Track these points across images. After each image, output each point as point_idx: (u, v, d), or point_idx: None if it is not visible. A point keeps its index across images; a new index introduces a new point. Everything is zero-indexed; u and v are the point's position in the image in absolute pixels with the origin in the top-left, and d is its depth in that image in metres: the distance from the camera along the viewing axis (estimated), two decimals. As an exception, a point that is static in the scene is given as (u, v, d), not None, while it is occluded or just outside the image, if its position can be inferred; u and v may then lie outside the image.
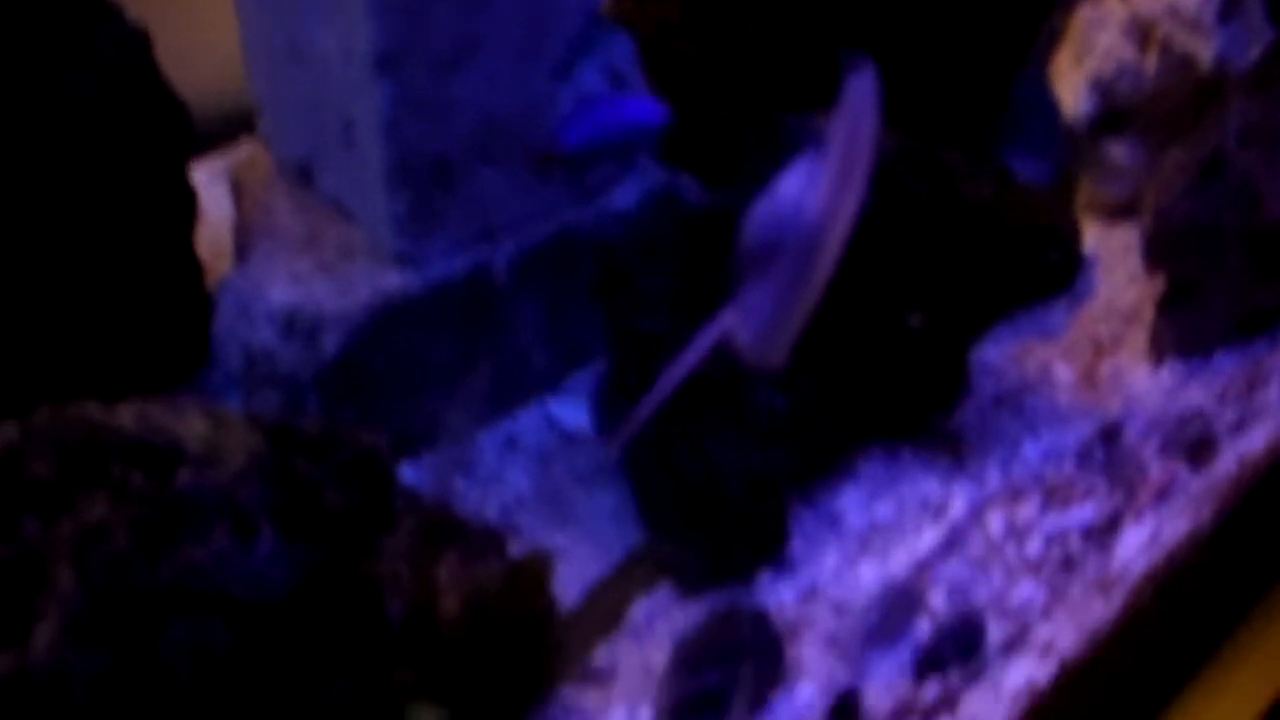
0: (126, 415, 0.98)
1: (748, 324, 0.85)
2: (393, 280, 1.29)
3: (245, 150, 1.51)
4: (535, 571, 1.05)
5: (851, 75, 0.85)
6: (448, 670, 1.02)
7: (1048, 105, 1.55)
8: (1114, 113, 1.55)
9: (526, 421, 1.36)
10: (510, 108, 1.31)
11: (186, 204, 1.35)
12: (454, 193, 1.31)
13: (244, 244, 1.37)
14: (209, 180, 1.60)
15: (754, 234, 0.84)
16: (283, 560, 0.96)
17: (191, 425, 0.98)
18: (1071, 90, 1.56)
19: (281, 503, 0.97)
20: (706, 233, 1.24)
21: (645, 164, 1.40)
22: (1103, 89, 1.54)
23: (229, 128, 1.63)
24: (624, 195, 1.39)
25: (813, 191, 0.84)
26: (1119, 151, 1.56)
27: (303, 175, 1.41)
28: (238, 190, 1.44)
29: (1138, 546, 1.22)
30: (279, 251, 1.34)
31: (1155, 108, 1.54)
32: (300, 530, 0.97)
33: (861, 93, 0.85)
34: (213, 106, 1.55)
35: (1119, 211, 1.57)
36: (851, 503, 1.26)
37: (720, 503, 1.17)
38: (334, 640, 0.98)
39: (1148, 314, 1.44)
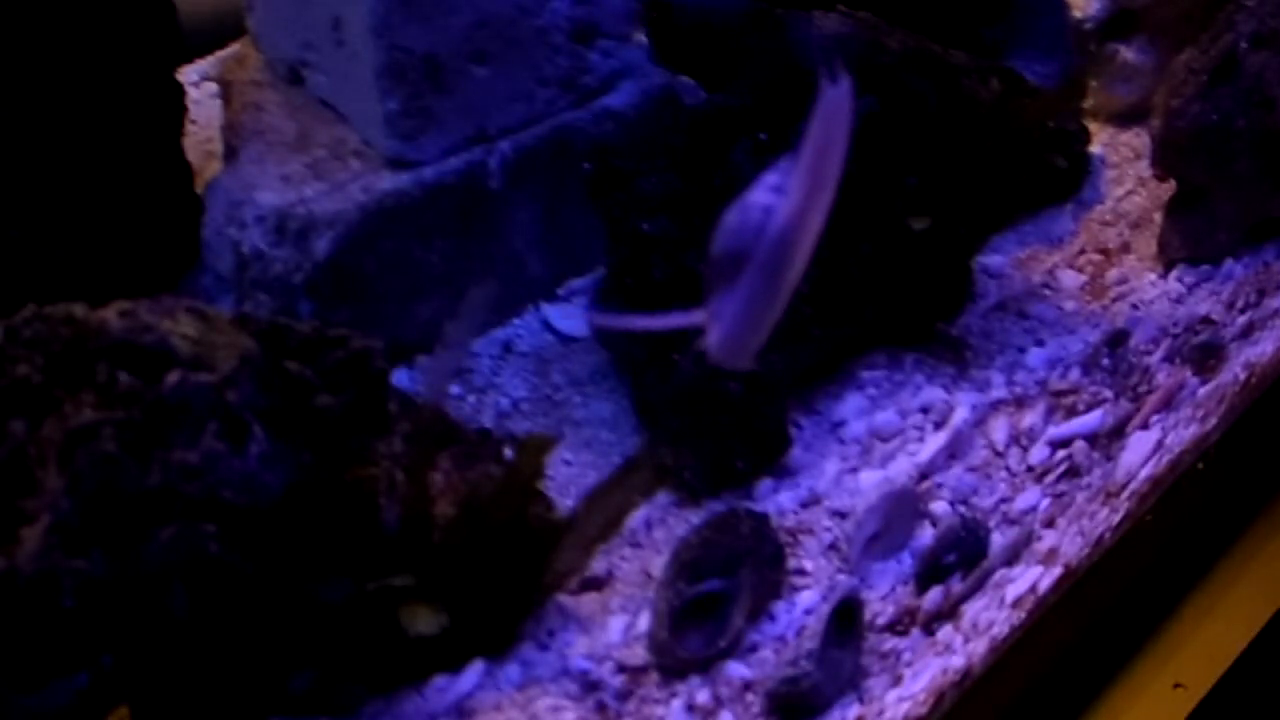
0: (113, 315, 0.95)
1: (715, 327, 0.87)
2: (385, 182, 1.27)
3: (235, 51, 1.48)
4: (532, 471, 1.04)
5: (828, 84, 0.86)
6: (444, 574, 1.00)
7: (1056, 6, 1.52)
8: (1124, 14, 1.52)
9: (522, 327, 1.34)
10: (503, 5, 1.29)
11: (174, 102, 1.33)
12: (447, 93, 1.28)
13: (233, 145, 1.35)
14: (198, 82, 1.57)
15: (724, 240, 0.86)
16: (275, 463, 0.94)
17: (180, 326, 0.96)
18: (1081, -11, 1.54)
19: (273, 404, 0.95)
20: (705, 134, 1.22)
21: (643, 65, 1.37)
22: (1113, -11, 1.52)
23: (219, 30, 1.60)
24: (621, 96, 1.36)
25: (782, 201, 0.85)
26: (1128, 54, 1.53)
27: (293, 75, 1.38)
28: (227, 91, 1.42)
29: (1143, 454, 1.21)
30: (269, 153, 1.32)
31: (1166, 9, 1.51)
32: (292, 432, 0.96)
33: (836, 103, 0.86)
34: (204, 7, 1.53)
35: (1128, 115, 1.54)
36: (853, 409, 1.24)
37: (720, 408, 1.16)
38: (327, 544, 0.97)
39: (1156, 220, 1.42)
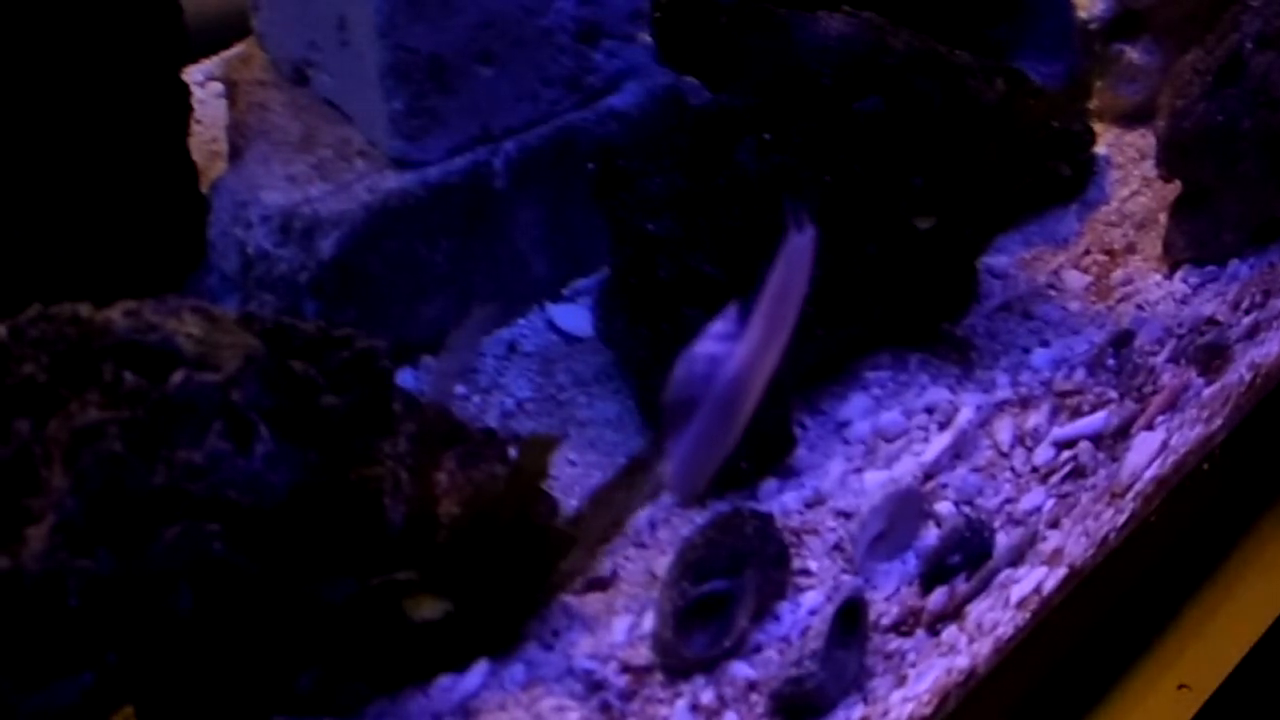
0: (118, 315, 0.96)
1: (671, 464, 0.92)
2: (390, 182, 1.27)
3: (240, 51, 1.48)
4: (536, 471, 1.04)
5: (792, 232, 0.89)
6: (448, 574, 1.00)
7: (1061, 6, 1.52)
8: (1129, 14, 1.52)
9: (527, 327, 1.34)
10: (509, 5, 1.29)
11: (180, 102, 1.33)
12: (452, 93, 1.28)
13: (239, 145, 1.35)
14: (203, 81, 1.57)
15: (675, 389, 0.91)
16: (280, 462, 0.94)
17: (185, 325, 0.96)
18: (1086, -10, 1.54)
19: (278, 404, 0.95)
20: (710, 134, 1.22)
21: (648, 65, 1.37)
22: (1118, -10, 1.52)
23: (224, 30, 1.60)
24: (626, 96, 1.36)
25: (732, 348, 0.90)
26: (1134, 54, 1.53)
27: (298, 75, 1.38)
28: (232, 91, 1.42)
29: (1148, 455, 1.21)
30: (274, 153, 1.32)
31: (1171, 10, 1.51)
32: (297, 432, 0.96)
33: (798, 253, 0.89)
34: (209, 7, 1.53)
35: (1133, 115, 1.54)
36: (858, 410, 1.24)
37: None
38: (332, 543, 0.97)
39: (1161, 220, 1.42)
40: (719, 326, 0.90)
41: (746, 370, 0.90)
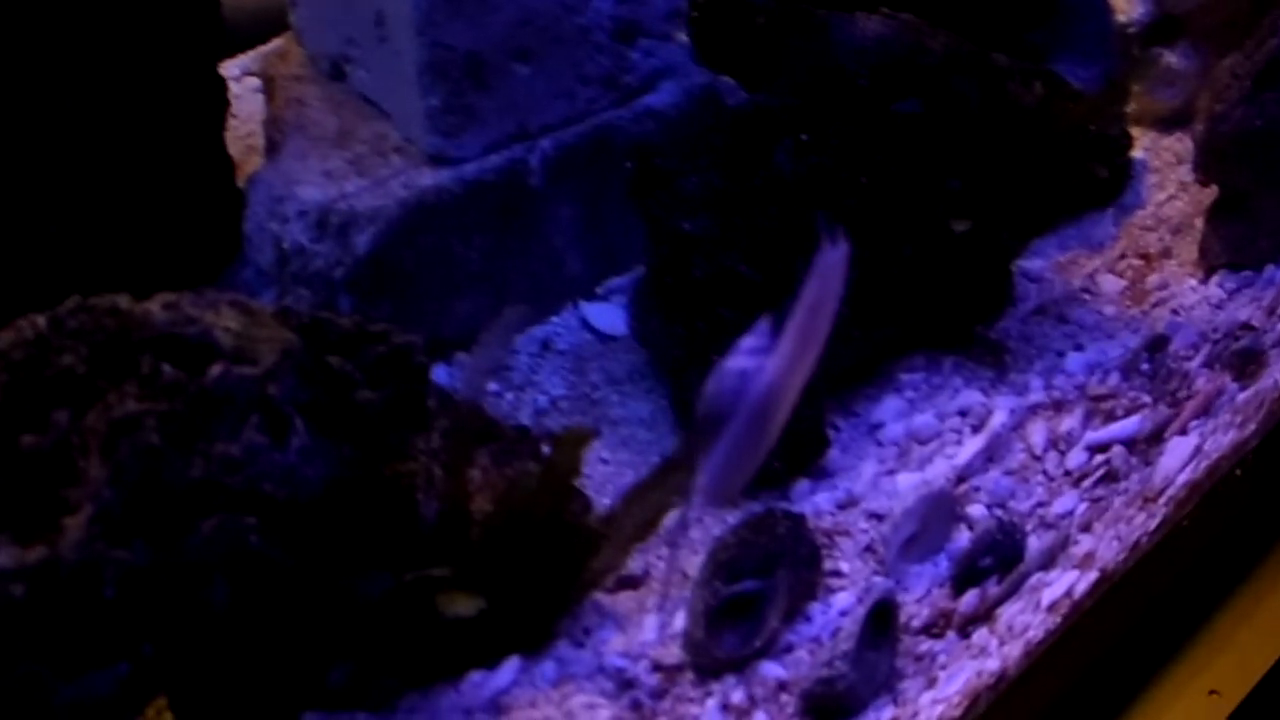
0: (157, 307, 0.96)
1: (703, 476, 0.92)
2: (426, 179, 1.28)
3: (277, 46, 1.48)
4: (570, 466, 1.04)
5: (826, 247, 0.89)
6: (481, 570, 1.01)
7: (1100, 10, 1.52)
8: (1168, 19, 1.52)
9: (561, 325, 1.34)
10: (547, 3, 1.29)
11: (217, 96, 1.33)
12: (488, 90, 1.29)
13: (275, 140, 1.35)
14: (239, 76, 1.58)
15: (707, 404, 0.91)
16: (315, 457, 0.95)
17: (223, 319, 0.96)
18: (1125, -5, 1.53)
19: (314, 398, 0.96)
20: (747, 134, 1.22)
21: (685, 64, 1.37)
22: (1157, -7, 1.51)
23: (260, 26, 1.61)
24: (662, 95, 1.36)
25: (762, 362, 0.90)
26: (1172, 59, 1.52)
27: (335, 71, 1.39)
28: (269, 86, 1.42)
29: (1181, 460, 1.21)
30: (311, 148, 1.32)
31: (1210, 15, 1.50)
32: (333, 427, 0.96)
33: (831, 267, 0.90)
34: (247, 2, 1.53)
35: (1170, 120, 1.54)
36: (891, 412, 1.24)
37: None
38: (366, 538, 0.97)
39: (1197, 225, 1.42)
40: (751, 340, 0.91)
41: (778, 385, 0.90)
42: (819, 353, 0.92)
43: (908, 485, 1.17)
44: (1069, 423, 1.23)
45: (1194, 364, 1.28)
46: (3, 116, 1.19)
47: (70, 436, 0.92)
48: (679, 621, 1.05)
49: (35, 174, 1.21)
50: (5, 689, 0.88)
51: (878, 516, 1.15)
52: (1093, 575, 1.13)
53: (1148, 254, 1.41)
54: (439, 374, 1.24)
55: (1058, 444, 1.22)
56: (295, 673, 0.98)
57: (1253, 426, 1.25)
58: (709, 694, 1.03)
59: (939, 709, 1.03)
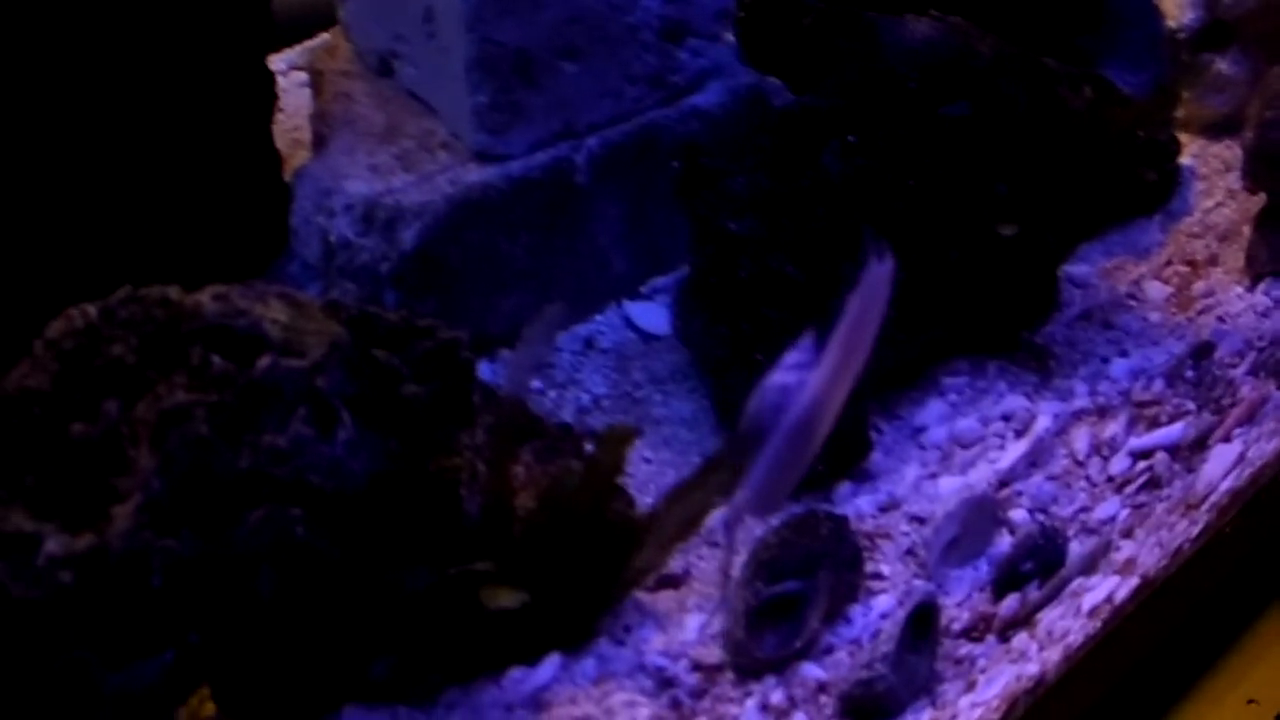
0: (207, 299, 0.97)
1: (747, 488, 0.93)
2: (472, 175, 1.28)
3: (325, 41, 1.49)
4: (613, 464, 1.04)
5: (872, 262, 0.90)
6: (524, 566, 1.01)
7: (1150, 15, 1.51)
8: (1218, 24, 1.51)
9: (604, 324, 1.35)
10: (595, 1, 1.29)
11: (266, 90, 1.34)
12: (536, 88, 1.29)
13: (323, 134, 1.36)
14: (286, 70, 1.59)
15: (750, 419, 0.92)
16: (361, 449, 0.95)
17: (272, 311, 0.97)
18: (1175, 0, 1.52)
19: (361, 392, 0.96)
20: (795, 135, 1.22)
21: (732, 65, 1.37)
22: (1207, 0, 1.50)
23: (308, 20, 1.62)
24: (709, 95, 1.37)
25: (804, 377, 0.91)
26: (1222, 65, 1.52)
27: (383, 66, 1.39)
28: (317, 80, 1.43)
29: (1224, 467, 1.20)
30: (358, 143, 1.33)
31: (1261, 21, 1.50)
32: (379, 420, 0.97)
33: (877, 283, 0.90)
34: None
35: (1219, 127, 1.53)
36: (934, 416, 1.24)
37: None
38: (410, 532, 0.97)
39: (1245, 233, 1.41)
40: (794, 355, 0.92)
41: (820, 400, 0.91)
42: (861, 369, 0.92)
43: (950, 489, 1.17)
44: (1112, 428, 1.23)
45: (1239, 371, 1.28)
46: (57, 111, 1.20)
47: (120, 426, 0.93)
48: (719, 621, 1.06)
49: (88, 167, 1.22)
50: (54, 676, 0.88)
51: (919, 520, 1.15)
52: (1134, 581, 1.12)
53: (1194, 261, 1.41)
54: (483, 370, 1.24)
55: (1101, 450, 1.21)
56: (338, 664, 0.99)
57: (1298, 435, 1.25)
58: (748, 694, 1.03)
59: (977, 712, 1.03)
